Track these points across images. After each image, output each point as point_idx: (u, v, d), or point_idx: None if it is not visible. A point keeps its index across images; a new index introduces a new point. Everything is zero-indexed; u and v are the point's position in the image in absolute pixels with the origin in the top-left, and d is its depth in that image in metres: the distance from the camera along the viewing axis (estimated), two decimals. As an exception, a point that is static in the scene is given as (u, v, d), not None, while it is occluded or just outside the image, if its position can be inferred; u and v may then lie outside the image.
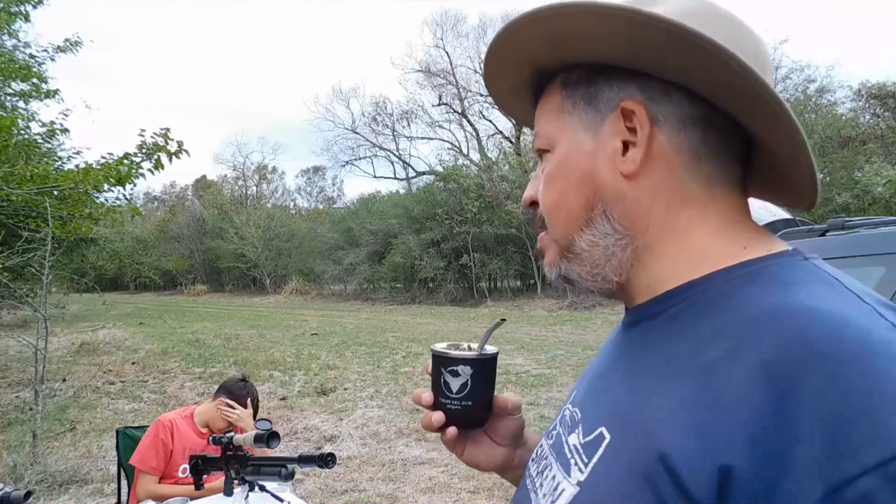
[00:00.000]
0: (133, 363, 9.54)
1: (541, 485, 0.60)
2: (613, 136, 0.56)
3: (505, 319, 0.78)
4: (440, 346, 0.69)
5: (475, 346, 0.69)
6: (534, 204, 0.63)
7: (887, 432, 0.37)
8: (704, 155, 0.54)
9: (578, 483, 0.52)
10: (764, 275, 0.51)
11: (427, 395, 0.70)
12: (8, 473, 4.37)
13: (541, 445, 0.67)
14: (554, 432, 0.64)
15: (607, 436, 0.51)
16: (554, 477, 0.57)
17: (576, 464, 0.54)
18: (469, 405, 0.67)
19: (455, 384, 0.67)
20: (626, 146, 0.55)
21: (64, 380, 8.06)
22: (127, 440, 2.81)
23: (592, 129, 0.57)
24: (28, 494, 1.63)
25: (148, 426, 2.73)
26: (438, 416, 0.68)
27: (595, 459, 0.51)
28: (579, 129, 0.58)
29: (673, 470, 0.43)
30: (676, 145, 0.54)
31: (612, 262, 0.57)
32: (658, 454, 0.44)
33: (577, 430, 0.57)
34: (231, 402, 2.69)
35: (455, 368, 0.67)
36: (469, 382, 0.66)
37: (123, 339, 12.14)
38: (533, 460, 0.67)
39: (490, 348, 0.70)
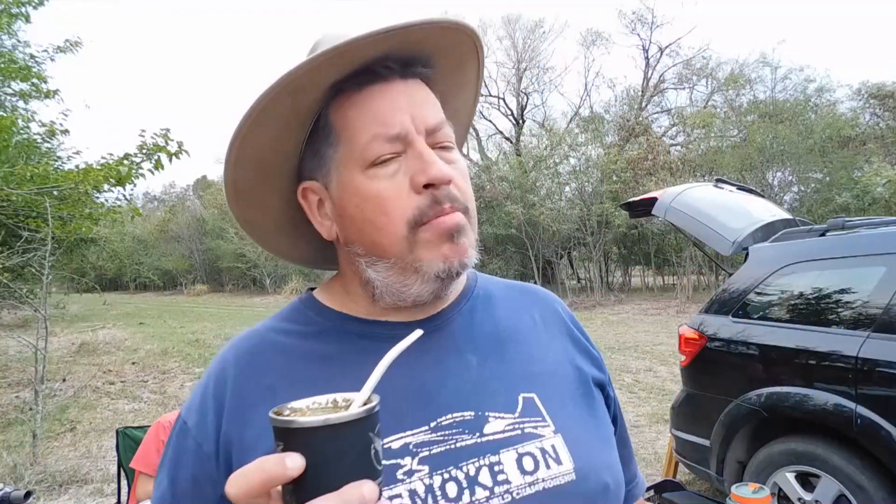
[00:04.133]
0: (133, 363, 9.54)
1: (499, 472, 0.57)
2: None
3: (422, 331, 0.51)
4: (316, 413, 0.43)
5: (328, 397, 0.46)
6: (450, 183, 0.61)
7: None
8: None
9: (555, 431, 0.62)
10: (479, 278, 0.78)
11: (370, 488, 0.40)
12: (8, 473, 4.37)
13: (405, 467, 0.56)
14: (435, 445, 0.58)
15: (532, 393, 0.64)
16: (520, 458, 0.59)
17: (535, 427, 0.62)
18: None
19: (381, 445, 0.44)
20: None
21: (64, 380, 8.06)
22: (127, 440, 2.81)
23: None
24: (28, 494, 1.64)
25: (148, 426, 2.73)
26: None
27: (544, 410, 0.63)
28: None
29: (598, 381, 0.74)
30: None
31: None
32: (590, 377, 0.72)
33: (492, 413, 0.61)
34: None
35: (380, 426, 0.44)
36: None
37: (123, 339, 12.13)
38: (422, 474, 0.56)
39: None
